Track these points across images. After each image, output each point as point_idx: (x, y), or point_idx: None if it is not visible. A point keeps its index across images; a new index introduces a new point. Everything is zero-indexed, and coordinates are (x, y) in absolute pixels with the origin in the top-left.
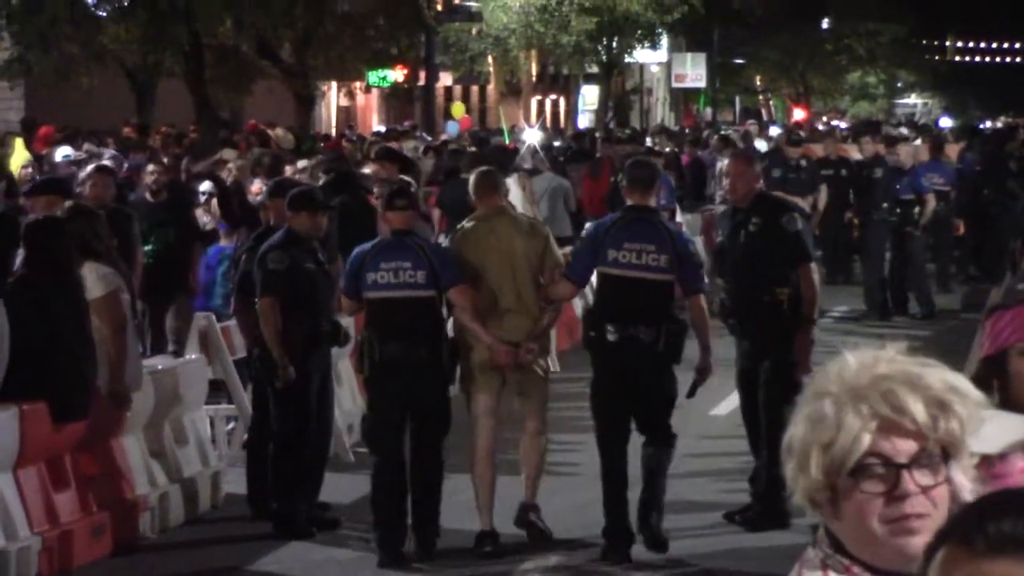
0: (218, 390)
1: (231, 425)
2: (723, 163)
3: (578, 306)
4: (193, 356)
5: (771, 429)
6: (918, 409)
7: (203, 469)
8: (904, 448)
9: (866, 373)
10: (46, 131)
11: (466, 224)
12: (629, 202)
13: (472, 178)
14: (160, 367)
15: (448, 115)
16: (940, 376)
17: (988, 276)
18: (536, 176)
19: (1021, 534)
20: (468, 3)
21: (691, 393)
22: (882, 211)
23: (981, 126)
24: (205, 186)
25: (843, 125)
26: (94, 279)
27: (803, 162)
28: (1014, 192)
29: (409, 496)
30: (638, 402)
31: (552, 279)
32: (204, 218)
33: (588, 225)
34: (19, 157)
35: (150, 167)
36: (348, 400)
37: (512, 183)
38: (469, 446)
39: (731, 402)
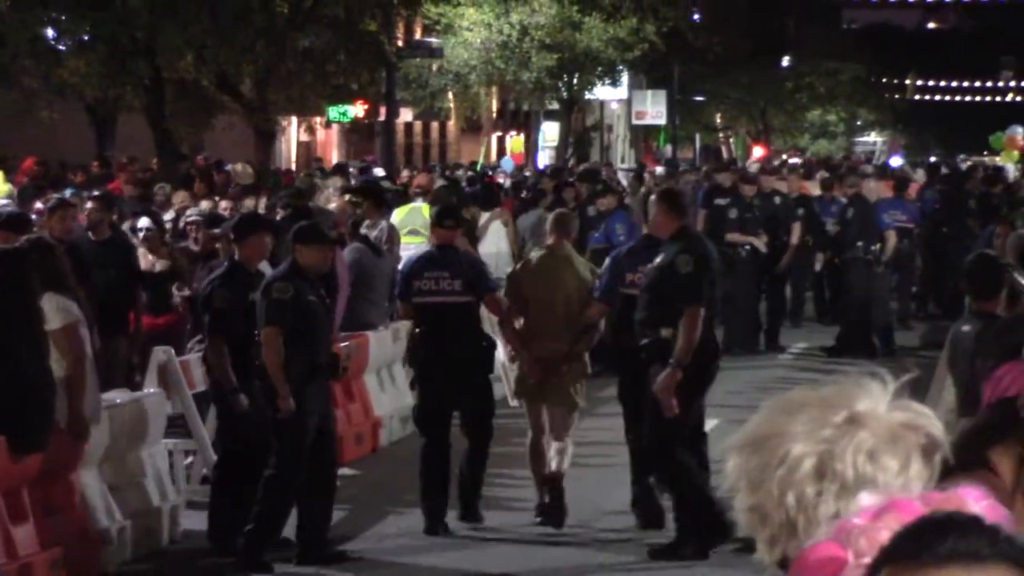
0: (177, 424)
1: (190, 459)
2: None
3: None
4: (152, 390)
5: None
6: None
7: (161, 503)
8: None
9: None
10: (31, 163)
11: (532, 254)
12: (644, 232)
13: (551, 217)
14: (119, 401)
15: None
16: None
17: (947, 314)
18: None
19: (965, 549)
20: (429, 39)
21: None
22: (856, 249)
23: (931, 161)
24: (143, 222)
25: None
26: (53, 310)
27: (776, 199)
28: (973, 230)
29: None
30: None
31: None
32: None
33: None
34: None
35: (89, 204)
36: None
37: (487, 217)
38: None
39: None
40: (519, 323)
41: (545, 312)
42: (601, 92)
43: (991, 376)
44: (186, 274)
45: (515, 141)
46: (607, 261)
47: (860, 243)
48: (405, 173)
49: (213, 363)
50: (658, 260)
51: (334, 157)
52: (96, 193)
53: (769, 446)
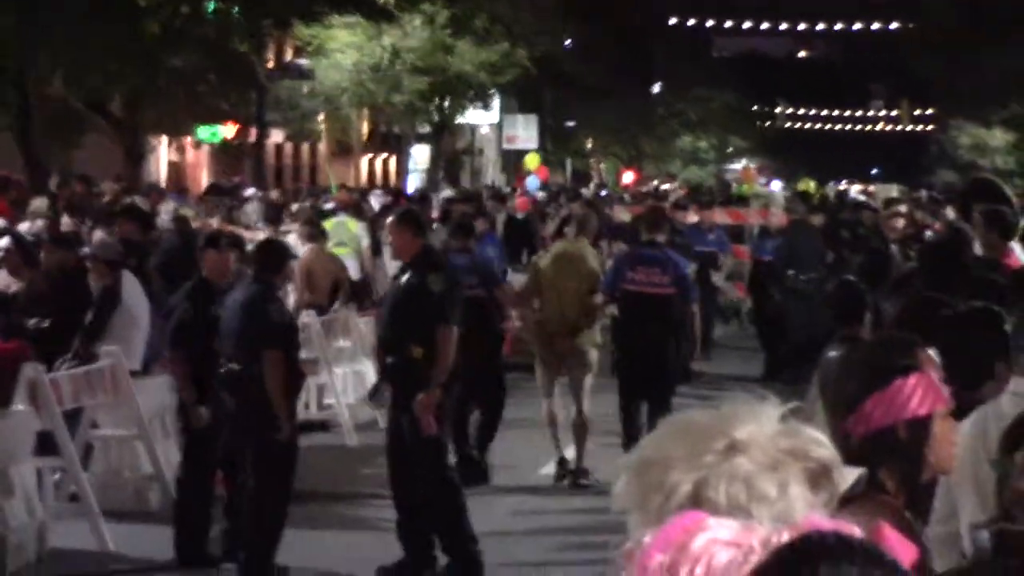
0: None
1: (57, 476)
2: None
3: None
4: (20, 407)
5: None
6: None
7: (29, 521)
8: None
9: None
10: None
11: (555, 246)
12: (645, 237)
13: (576, 216)
14: None
15: (460, 168)
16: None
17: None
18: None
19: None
20: (300, 61)
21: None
22: (789, 278)
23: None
24: (3, 242)
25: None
26: None
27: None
28: (849, 262)
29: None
30: (649, 382)
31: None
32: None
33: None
34: None
35: None
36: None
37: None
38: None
39: None
40: (536, 304)
41: (560, 293)
42: (472, 116)
43: (858, 410)
44: (44, 297)
45: (531, 157)
46: (611, 261)
47: (791, 271)
48: (275, 194)
49: (175, 377)
50: (403, 279)
51: (204, 177)
52: None
53: (652, 471)
